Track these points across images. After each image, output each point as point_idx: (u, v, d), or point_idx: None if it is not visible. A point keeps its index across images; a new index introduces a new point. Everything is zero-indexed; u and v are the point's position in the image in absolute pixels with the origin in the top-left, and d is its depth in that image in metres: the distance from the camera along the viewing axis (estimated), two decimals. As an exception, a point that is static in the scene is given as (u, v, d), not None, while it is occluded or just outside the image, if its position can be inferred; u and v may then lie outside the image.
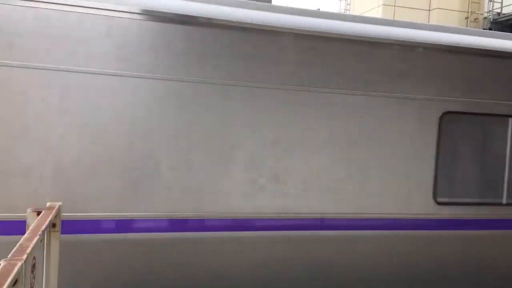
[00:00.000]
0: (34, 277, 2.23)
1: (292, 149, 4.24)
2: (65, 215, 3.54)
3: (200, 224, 4.05)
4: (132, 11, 3.86)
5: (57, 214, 3.11)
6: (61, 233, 3.26)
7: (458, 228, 4.76)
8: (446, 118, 4.66)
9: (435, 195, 4.61)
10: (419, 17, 20.46)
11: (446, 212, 4.67)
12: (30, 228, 2.54)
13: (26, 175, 3.60)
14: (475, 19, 21.43)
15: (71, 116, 3.71)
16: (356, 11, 23.89)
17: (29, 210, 2.94)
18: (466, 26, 19.98)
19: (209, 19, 4.03)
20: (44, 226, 2.56)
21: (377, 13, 21.45)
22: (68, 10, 3.73)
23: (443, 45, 4.57)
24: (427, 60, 4.54)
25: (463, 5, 21.64)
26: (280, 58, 4.19)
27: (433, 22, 20.13)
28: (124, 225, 3.87)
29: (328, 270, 4.46)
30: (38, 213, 2.89)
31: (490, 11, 20.97)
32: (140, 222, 3.90)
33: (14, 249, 2.04)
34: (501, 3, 20.57)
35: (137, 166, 3.86)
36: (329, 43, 4.29)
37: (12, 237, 2.76)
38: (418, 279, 4.73)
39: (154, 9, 3.89)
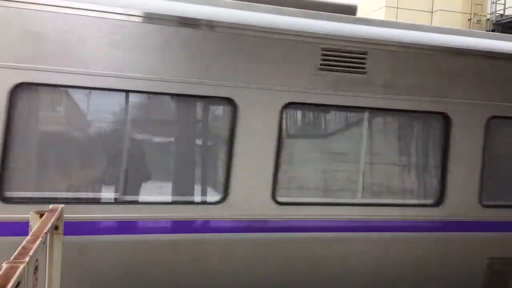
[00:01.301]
0: (36, 279, 2.23)
1: None
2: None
3: None
4: None
5: (60, 216, 3.11)
6: None
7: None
8: None
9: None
10: (422, 19, 20.45)
11: None
12: (33, 230, 2.54)
13: None
14: (478, 21, 21.39)
15: None
16: (358, 12, 23.84)
17: (31, 212, 2.94)
18: (469, 28, 19.96)
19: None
20: (46, 228, 2.56)
21: (380, 15, 21.44)
22: None
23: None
24: None
25: (466, 7, 21.60)
26: None
27: (435, 24, 20.10)
28: None
29: None
30: (41, 215, 2.89)
31: (493, 12, 20.93)
32: None
33: (17, 251, 2.04)
34: (504, 4, 20.53)
35: None
36: None
37: None
38: None
39: None
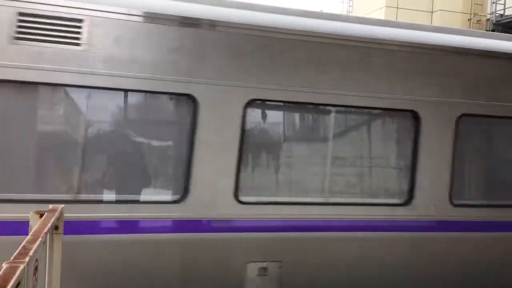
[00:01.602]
0: (36, 279, 2.23)
1: None
2: None
3: None
4: None
5: (60, 216, 3.11)
6: None
7: None
8: None
9: None
10: (422, 19, 20.45)
11: None
12: (33, 230, 2.54)
13: None
14: (478, 21, 21.39)
15: None
16: (358, 12, 23.87)
17: (31, 212, 2.94)
18: (469, 28, 19.95)
19: None
20: (46, 228, 2.56)
21: (380, 15, 21.44)
22: None
23: None
24: None
25: (465, 7, 21.60)
26: None
27: (436, 24, 20.09)
28: None
29: None
30: (41, 215, 2.89)
31: (493, 12, 20.93)
32: None
33: (17, 251, 2.04)
34: (504, 4, 20.53)
35: None
36: None
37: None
38: None
39: None
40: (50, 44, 3.89)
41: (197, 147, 4.20)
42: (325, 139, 4.75)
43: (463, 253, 4.87)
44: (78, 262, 3.90)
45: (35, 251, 2.13)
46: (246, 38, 4.31)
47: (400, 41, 4.70)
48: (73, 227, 3.64)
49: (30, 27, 3.84)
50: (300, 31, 4.42)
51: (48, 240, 2.95)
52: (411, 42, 4.72)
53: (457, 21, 20.87)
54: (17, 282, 1.74)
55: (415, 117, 4.79)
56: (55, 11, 3.88)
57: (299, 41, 4.43)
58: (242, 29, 4.29)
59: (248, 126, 4.42)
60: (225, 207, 4.29)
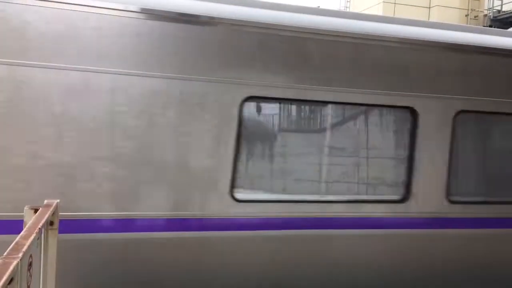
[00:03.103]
0: (31, 275, 2.21)
1: None
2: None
3: None
4: None
5: (55, 212, 3.09)
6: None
7: None
8: None
9: None
10: (419, 15, 20.45)
11: None
12: (27, 226, 2.51)
13: None
14: (475, 17, 21.41)
15: None
16: (356, 8, 23.86)
17: (26, 207, 2.91)
18: (467, 24, 19.97)
19: None
20: (41, 224, 2.53)
21: (378, 11, 21.42)
22: None
23: None
24: None
25: (463, 3, 21.62)
26: None
27: (433, 19, 20.09)
28: None
29: None
30: (36, 210, 2.86)
31: (490, 8, 20.96)
32: None
33: (10, 247, 2.02)
34: (501, 0, 20.56)
35: None
36: None
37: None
38: None
39: None
40: None
41: None
42: None
43: None
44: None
45: (29, 247, 2.10)
46: None
47: None
48: None
49: None
50: None
51: (43, 236, 2.92)
52: None
53: (454, 17, 20.88)
54: (10, 278, 1.71)
55: None
56: None
57: None
58: None
59: None
60: None
